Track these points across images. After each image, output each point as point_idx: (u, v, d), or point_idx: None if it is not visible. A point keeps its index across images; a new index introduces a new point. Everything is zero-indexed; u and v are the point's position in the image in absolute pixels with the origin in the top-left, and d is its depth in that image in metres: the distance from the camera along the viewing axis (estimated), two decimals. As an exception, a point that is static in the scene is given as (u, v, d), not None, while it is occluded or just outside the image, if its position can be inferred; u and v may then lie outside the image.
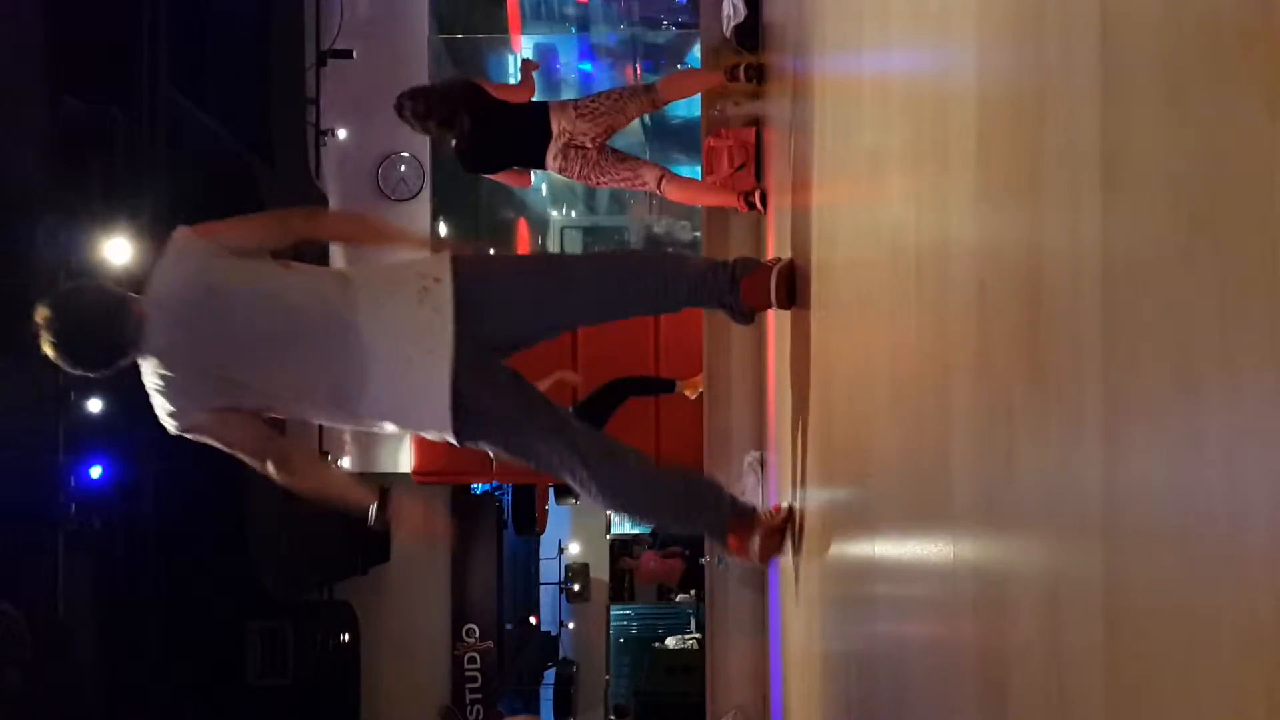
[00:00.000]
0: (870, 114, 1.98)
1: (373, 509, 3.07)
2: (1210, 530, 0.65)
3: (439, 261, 2.97)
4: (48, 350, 2.80)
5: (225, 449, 2.95)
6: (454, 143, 5.54)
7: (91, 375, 2.97)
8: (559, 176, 5.73)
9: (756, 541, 3.11)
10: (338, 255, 7.31)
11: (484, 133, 5.47)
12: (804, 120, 3.23)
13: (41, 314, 2.78)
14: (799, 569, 3.21)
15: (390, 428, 3.05)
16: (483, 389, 2.92)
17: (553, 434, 3.00)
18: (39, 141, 6.18)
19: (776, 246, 4.31)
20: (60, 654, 6.36)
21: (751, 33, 5.97)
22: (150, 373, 2.85)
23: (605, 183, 5.59)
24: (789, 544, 3.24)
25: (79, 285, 2.90)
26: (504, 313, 2.98)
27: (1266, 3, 0.59)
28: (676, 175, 5.86)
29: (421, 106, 5.50)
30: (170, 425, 2.90)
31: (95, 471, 6.64)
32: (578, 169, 5.45)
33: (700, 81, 6.29)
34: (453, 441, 2.99)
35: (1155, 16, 0.74)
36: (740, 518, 3.15)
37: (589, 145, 5.41)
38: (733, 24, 6.10)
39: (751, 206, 5.67)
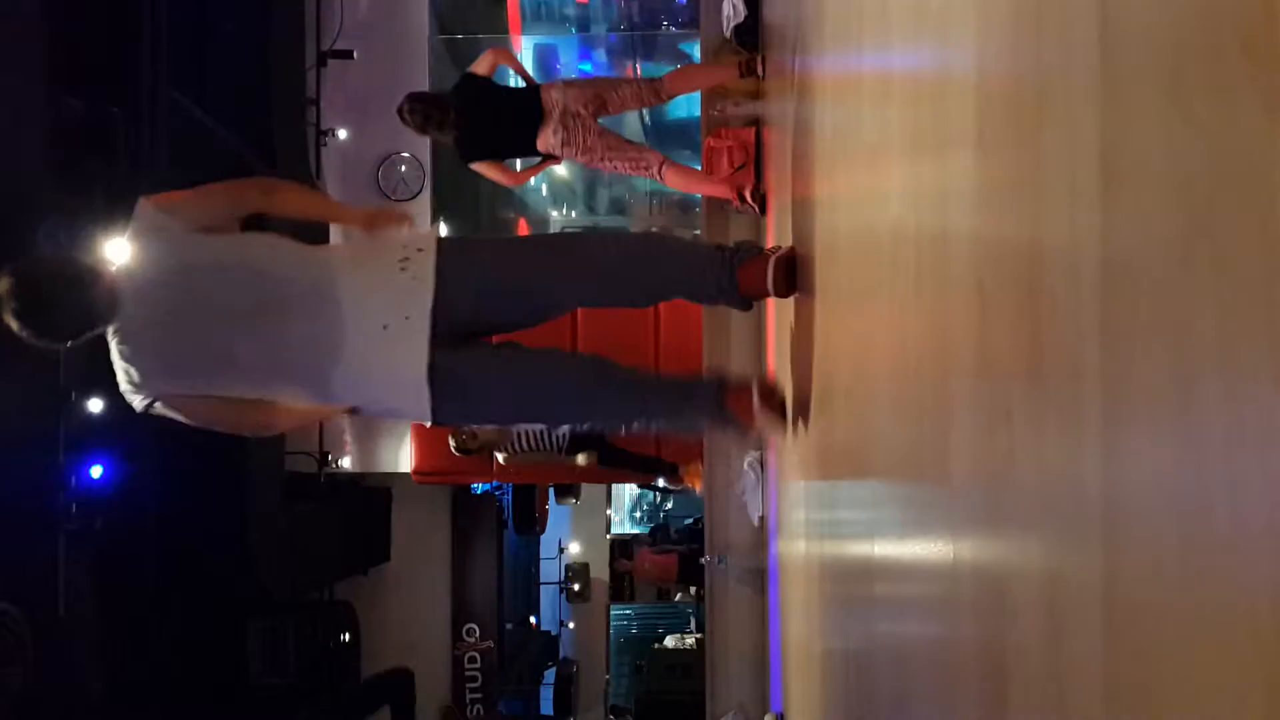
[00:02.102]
0: (870, 114, 1.98)
1: None
2: (1210, 530, 0.65)
3: (425, 234, 2.96)
4: (10, 321, 2.70)
5: (190, 423, 2.93)
6: (454, 137, 5.55)
7: (56, 345, 2.92)
8: (560, 174, 5.73)
9: (756, 402, 3.01)
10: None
11: (473, 114, 5.47)
12: (804, 120, 3.23)
13: (3, 284, 2.68)
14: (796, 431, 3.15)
15: (364, 400, 2.94)
16: (462, 363, 2.88)
17: (532, 394, 2.99)
18: (39, 141, 6.18)
19: (776, 241, 4.31)
20: (60, 654, 6.36)
21: (751, 33, 5.97)
22: (117, 346, 2.80)
23: (608, 161, 5.52)
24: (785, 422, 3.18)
25: (43, 256, 2.86)
26: (487, 288, 2.93)
27: (1266, 3, 0.59)
28: (676, 163, 5.87)
29: (419, 108, 5.54)
30: (134, 401, 2.86)
31: (95, 471, 6.64)
32: (580, 140, 5.39)
33: (711, 77, 6.25)
34: (427, 422, 2.95)
35: (1155, 16, 0.74)
36: (734, 387, 3.08)
37: (583, 111, 5.39)
38: (733, 24, 6.10)
39: (744, 201, 5.65)
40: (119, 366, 2.82)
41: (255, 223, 3.07)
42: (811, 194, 3.02)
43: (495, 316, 3.01)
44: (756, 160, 5.88)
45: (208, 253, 2.84)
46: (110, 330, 2.79)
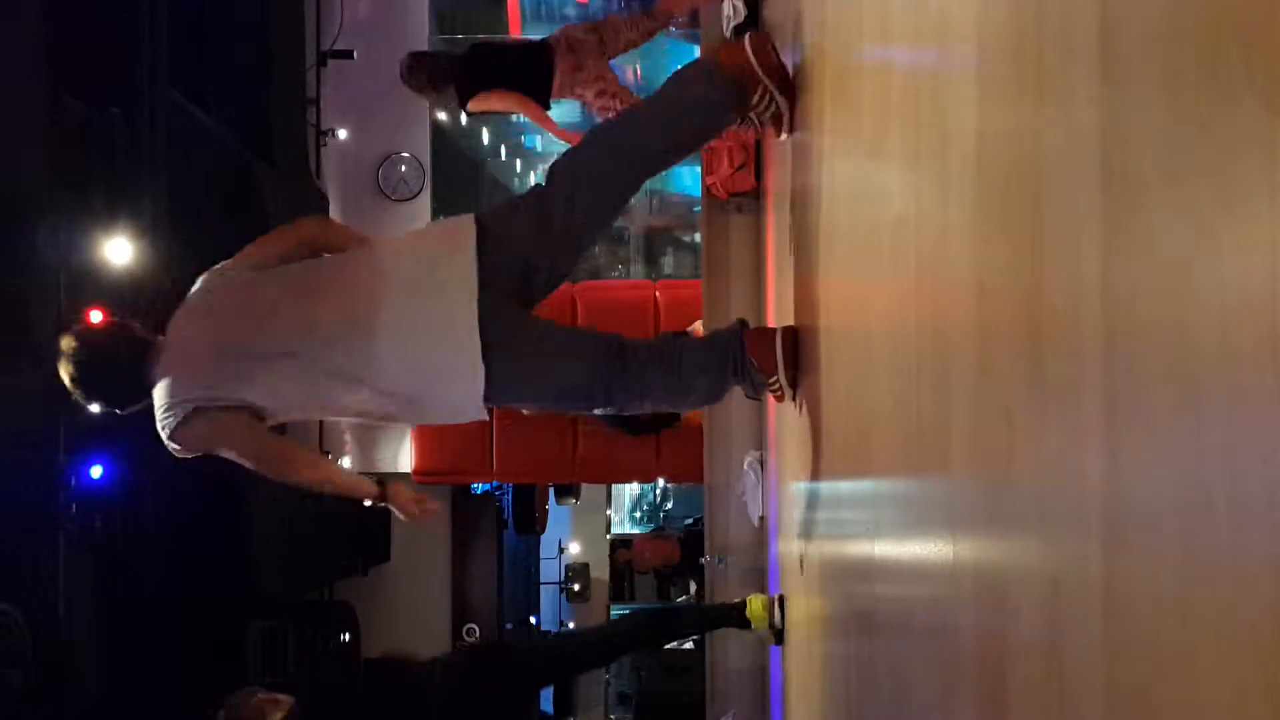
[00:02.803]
0: (870, 113, 1.98)
1: (369, 500, 3.14)
2: (1210, 530, 0.65)
3: (461, 229, 2.91)
4: (65, 380, 2.86)
5: (228, 456, 2.91)
6: (455, 87, 5.49)
7: (110, 411, 3.00)
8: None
9: (778, 349, 2.97)
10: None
11: (474, 60, 5.43)
12: (803, 119, 3.23)
13: (67, 343, 2.85)
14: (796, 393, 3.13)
15: (405, 387, 2.81)
16: (508, 316, 2.81)
17: (574, 359, 2.93)
18: (39, 141, 6.18)
19: (775, 245, 4.31)
20: (60, 653, 6.36)
21: (751, 22, 5.96)
22: (158, 401, 2.83)
23: (615, 89, 5.49)
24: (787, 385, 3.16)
25: (106, 324, 2.94)
26: (525, 239, 2.88)
27: (1267, 3, 0.59)
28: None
29: (417, 63, 5.50)
30: (173, 445, 2.88)
31: (96, 471, 6.64)
32: (591, 66, 5.35)
33: None
34: (479, 395, 2.79)
35: (1155, 16, 0.74)
36: (754, 337, 3.02)
37: (585, 37, 5.41)
38: (733, 24, 6.09)
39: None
40: (160, 421, 2.85)
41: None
42: (811, 194, 3.02)
43: (540, 255, 2.91)
44: (756, 160, 5.88)
45: (244, 276, 2.91)
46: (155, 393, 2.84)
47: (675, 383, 2.98)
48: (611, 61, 5.65)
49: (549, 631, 15.83)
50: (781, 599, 4.60)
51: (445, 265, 2.81)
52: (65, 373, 2.85)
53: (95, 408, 2.99)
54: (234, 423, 2.83)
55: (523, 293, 2.93)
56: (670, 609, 6.90)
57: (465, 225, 2.91)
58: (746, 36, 3.07)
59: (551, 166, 3.05)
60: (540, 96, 5.47)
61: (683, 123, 3.05)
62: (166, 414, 2.82)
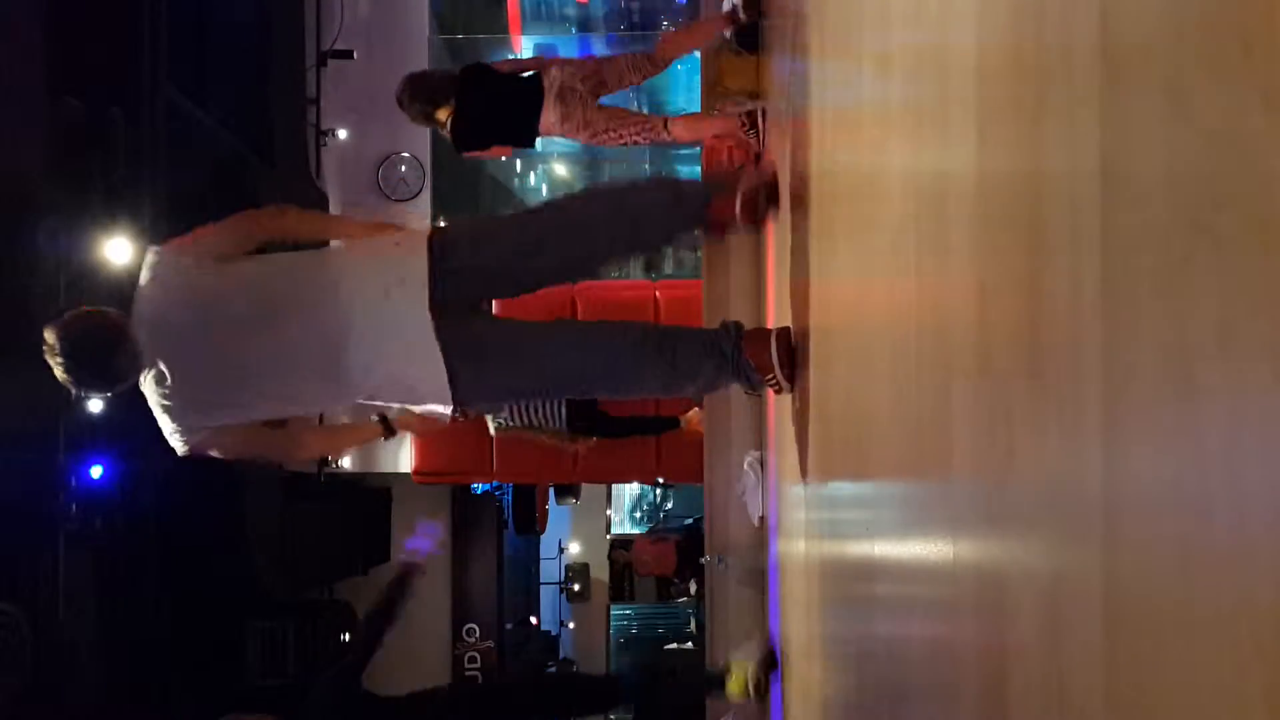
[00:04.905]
0: (870, 114, 1.98)
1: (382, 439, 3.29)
2: (1210, 530, 0.65)
3: (416, 234, 3.01)
4: (56, 372, 2.90)
5: (234, 457, 3.10)
6: (449, 125, 5.50)
7: (103, 395, 3.12)
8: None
9: (773, 350, 3.03)
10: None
11: (471, 101, 5.42)
12: (803, 120, 3.23)
13: (49, 337, 2.88)
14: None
15: (381, 381, 2.97)
16: (475, 326, 2.97)
17: (539, 358, 3.02)
18: (39, 141, 6.18)
19: (776, 248, 4.31)
20: (60, 654, 6.36)
21: (752, 33, 5.97)
22: (151, 393, 2.93)
23: (612, 132, 5.47)
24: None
25: (82, 314, 2.97)
26: (484, 253, 3.00)
27: (1267, 3, 0.59)
28: (678, 115, 5.82)
29: (413, 88, 5.49)
30: (177, 446, 3.00)
31: (95, 471, 6.64)
32: (579, 116, 5.33)
33: (700, 35, 6.20)
34: (448, 404, 2.95)
35: (1155, 16, 0.74)
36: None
37: (579, 86, 5.36)
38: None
39: (752, 126, 5.58)
40: (158, 413, 2.95)
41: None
42: (810, 195, 3.02)
43: (492, 274, 3.04)
44: (756, 160, 5.88)
45: (210, 278, 2.94)
46: (144, 378, 2.91)
47: (671, 378, 3.04)
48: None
49: (548, 632, 15.82)
50: (772, 655, 4.36)
51: (400, 272, 2.92)
52: (54, 365, 2.88)
53: (90, 394, 3.10)
54: (238, 432, 3.04)
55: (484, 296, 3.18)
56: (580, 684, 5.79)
57: (419, 235, 3.02)
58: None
59: (548, 202, 3.21)
60: (527, 134, 5.48)
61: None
62: (173, 435, 2.98)
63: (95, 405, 6.41)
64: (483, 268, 2.99)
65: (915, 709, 1.54)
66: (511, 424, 6.88)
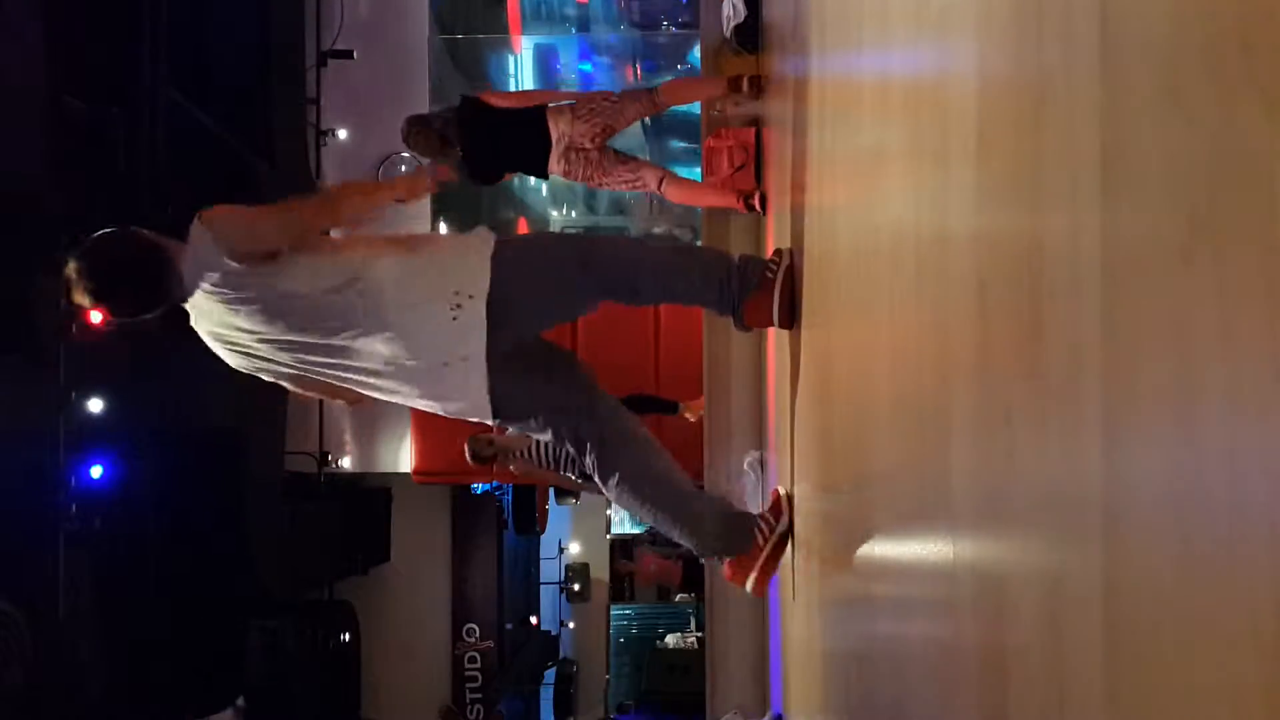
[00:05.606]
0: (870, 114, 1.98)
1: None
2: (1210, 530, 0.65)
3: (477, 271, 2.92)
4: (83, 300, 2.82)
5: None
6: (459, 159, 5.60)
7: (135, 318, 2.99)
8: (561, 179, 5.76)
9: (753, 578, 3.19)
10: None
11: (479, 145, 5.53)
12: (803, 120, 3.23)
13: (72, 267, 2.80)
14: (797, 567, 3.23)
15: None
16: (518, 385, 3.01)
17: (583, 416, 3.09)
18: (39, 141, 6.18)
19: (776, 246, 4.31)
20: (60, 654, 6.36)
21: (751, 33, 5.97)
22: (205, 334, 2.96)
23: (608, 184, 5.65)
24: (786, 549, 3.26)
25: (105, 235, 2.91)
26: (535, 311, 3.07)
27: (1267, 3, 0.59)
28: (677, 176, 5.89)
29: (420, 135, 5.61)
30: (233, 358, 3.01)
31: (95, 471, 6.64)
32: (581, 171, 5.51)
33: (702, 90, 6.31)
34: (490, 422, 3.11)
35: (1155, 17, 0.74)
36: (739, 546, 3.22)
37: (589, 145, 5.46)
38: (733, 24, 6.10)
39: (751, 208, 5.69)
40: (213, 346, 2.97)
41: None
42: (811, 195, 3.02)
43: (545, 325, 3.21)
44: (756, 160, 5.88)
45: (263, 288, 2.85)
46: (199, 324, 2.92)
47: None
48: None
49: (548, 632, 15.82)
50: None
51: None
52: (84, 290, 2.80)
53: (124, 316, 2.98)
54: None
55: None
56: None
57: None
58: (778, 295, 3.15)
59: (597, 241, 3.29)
60: (539, 167, 5.57)
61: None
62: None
63: (95, 405, 6.41)
64: (540, 324, 3.16)
65: (915, 709, 1.54)
66: (534, 459, 6.95)
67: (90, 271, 2.80)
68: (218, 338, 2.95)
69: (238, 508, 8.30)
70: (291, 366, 2.96)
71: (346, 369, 2.94)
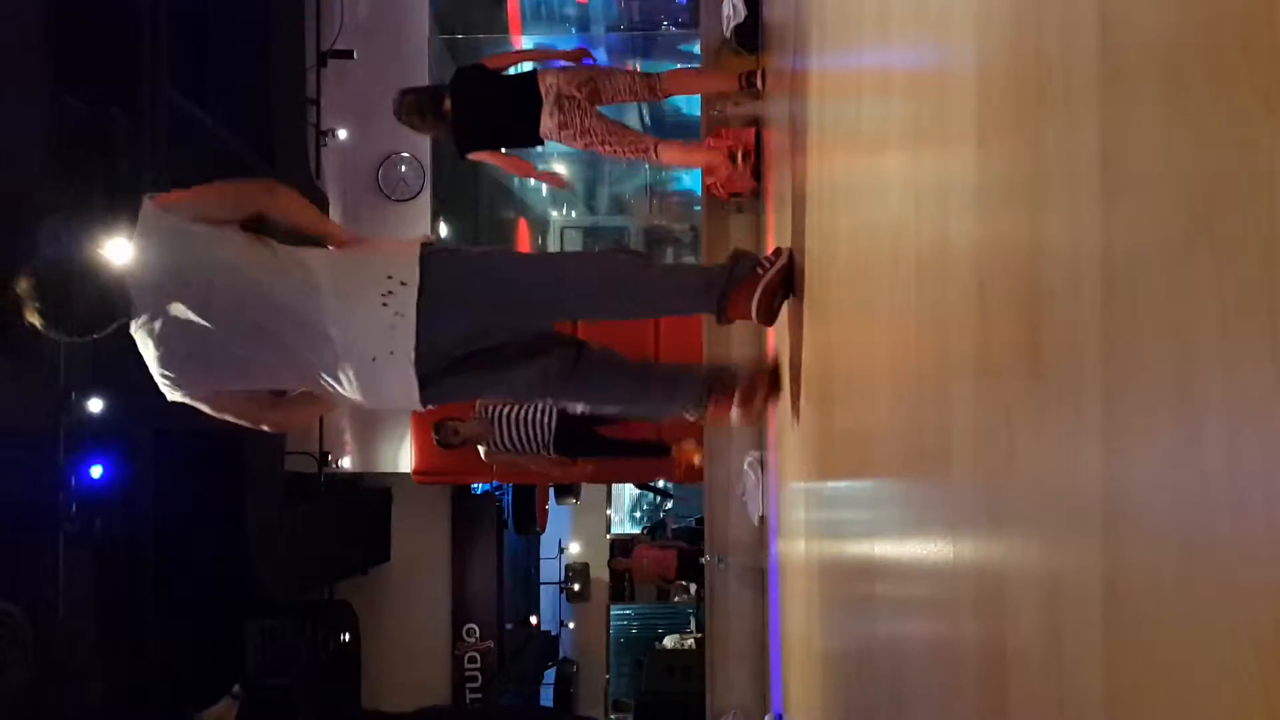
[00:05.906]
0: (870, 113, 1.98)
1: None
2: (1210, 530, 0.65)
3: (408, 263, 3.00)
4: (33, 319, 2.88)
5: (214, 414, 3.13)
6: (450, 128, 5.53)
7: (80, 339, 3.07)
8: (560, 174, 5.72)
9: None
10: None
11: (470, 104, 5.45)
12: (803, 120, 3.23)
13: (24, 286, 2.85)
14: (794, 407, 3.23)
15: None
16: (448, 376, 3.07)
17: (521, 365, 3.19)
18: (39, 141, 6.18)
19: (776, 245, 4.31)
20: (60, 653, 6.36)
21: (751, 33, 5.97)
22: (152, 346, 2.95)
23: (607, 145, 5.49)
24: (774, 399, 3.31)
25: (52, 256, 2.99)
26: (464, 314, 3.07)
27: (1267, 3, 0.59)
28: (669, 141, 5.86)
29: (411, 100, 5.54)
30: (167, 393, 3.03)
31: (95, 471, 6.64)
32: (576, 122, 5.38)
33: (710, 83, 6.26)
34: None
35: (1155, 16, 0.74)
36: (718, 385, 3.33)
37: (578, 94, 5.38)
38: (733, 24, 6.10)
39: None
40: (151, 361, 2.97)
41: (252, 225, 3.09)
42: (810, 195, 3.02)
43: (477, 333, 3.14)
44: (756, 160, 5.88)
45: (220, 253, 2.92)
46: (137, 325, 2.92)
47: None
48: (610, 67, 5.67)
49: (548, 632, 15.82)
50: None
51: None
52: (33, 313, 2.86)
53: (70, 338, 3.06)
54: (231, 401, 3.14)
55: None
56: None
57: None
58: (759, 294, 3.18)
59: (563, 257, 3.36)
60: (529, 136, 5.51)
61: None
62: (166, 387, 3.02)
63: (95, 405, 6.41)
64: (472, 328, 3.12)
65: (915, 709, 1.54)
66: (501, 448, 6.93)
67: (40, 292, 2.86)
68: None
69: (238, 508, 8.30)
70: (240, 368, 3.01)
71: (304, 363, 3.00)
